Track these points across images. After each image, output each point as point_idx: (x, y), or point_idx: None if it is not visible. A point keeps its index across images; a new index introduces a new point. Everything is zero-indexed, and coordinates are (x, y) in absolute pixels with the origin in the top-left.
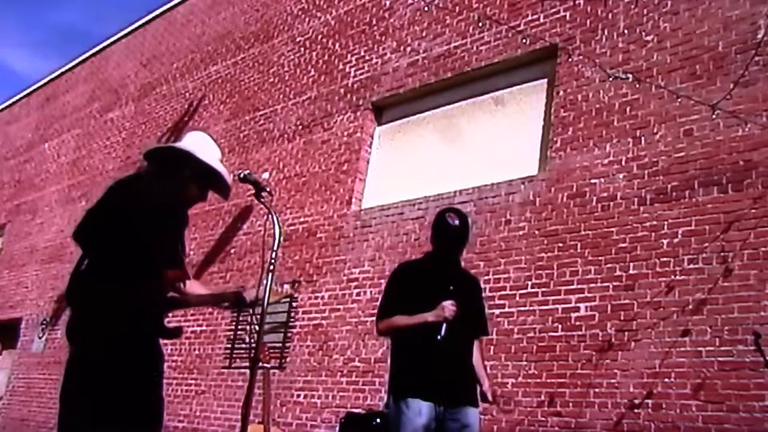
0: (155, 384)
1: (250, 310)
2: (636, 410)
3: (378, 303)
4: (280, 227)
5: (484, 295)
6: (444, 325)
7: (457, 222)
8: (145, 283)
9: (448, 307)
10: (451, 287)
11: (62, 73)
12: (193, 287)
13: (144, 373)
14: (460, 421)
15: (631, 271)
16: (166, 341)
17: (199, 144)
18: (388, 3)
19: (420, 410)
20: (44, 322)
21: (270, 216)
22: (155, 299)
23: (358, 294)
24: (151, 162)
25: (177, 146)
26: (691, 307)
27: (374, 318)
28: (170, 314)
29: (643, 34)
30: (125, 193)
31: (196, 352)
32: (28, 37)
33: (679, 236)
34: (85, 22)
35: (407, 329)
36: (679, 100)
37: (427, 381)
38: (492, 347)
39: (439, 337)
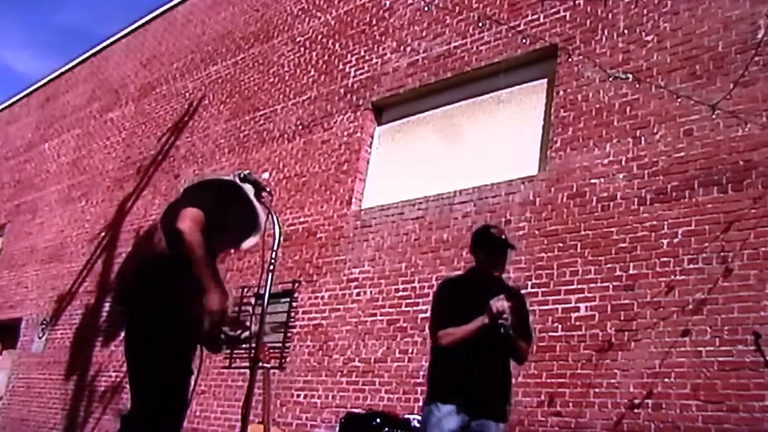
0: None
1: (251, 309)
2: (636, 410)
3: (429, 319)
4: (280, 227)
5: None
6: (504, 319)
7: (503, 236)
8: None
9: (494, 303)
10: None
11: (62, 73)
12: None
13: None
14: None
15: (631, 271)
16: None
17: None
18: (388, 3)
19: (451, 413)
20: (44, 322)
21: (270, 216)
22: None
23: (358, 294)
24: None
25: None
26: (691, 307)
27: (373, 318)
28: None
29: (643, 34)
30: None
31: (196, 352)
32: (31, 39)
33: (679, 236)
34: (87, 24)
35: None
36: (679, 100)
37: (462, 389)
38: None
39: (502, 330)
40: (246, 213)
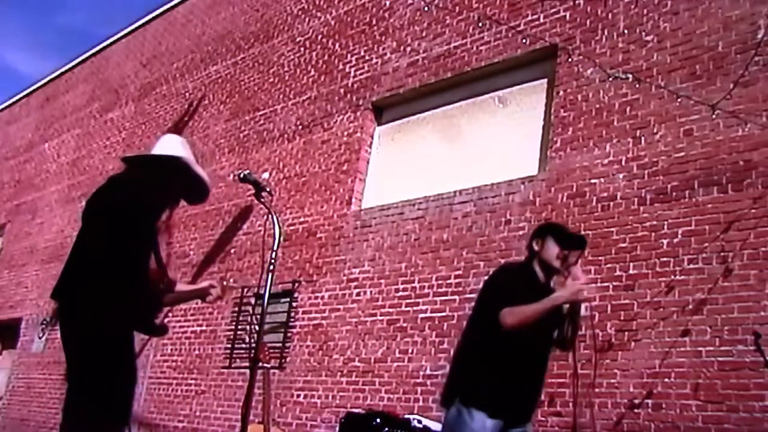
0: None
1: (251, 309)
2: (636, 410)
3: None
4: (280, 227)
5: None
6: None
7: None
8: (142, 278)
9: (581, 285)
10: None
11: (62, 73)
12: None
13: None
14: None
15: (631, 271)
16: (163, 339)
17: (188, 153)
18: (388, 3)
19: (484, 425)
20: (44, 322)
21: (270, 216)
22: (150, 295)
23: (358, 294)
24: (142, 166)
25: (172, 155)
26: (691, 307)
27: (373, 318)
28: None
29: (643, 34)
30: (128, 191)
31: (196, 352)
32: (32, 40)
33: (679, 236)
34: (89, 25)
35: (533, 319)
36: (679, 100)
37: (501, 399)
38: None
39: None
40: (187, 178)
